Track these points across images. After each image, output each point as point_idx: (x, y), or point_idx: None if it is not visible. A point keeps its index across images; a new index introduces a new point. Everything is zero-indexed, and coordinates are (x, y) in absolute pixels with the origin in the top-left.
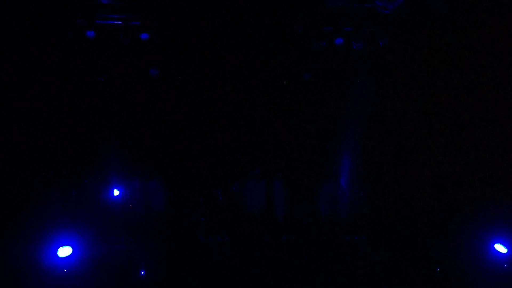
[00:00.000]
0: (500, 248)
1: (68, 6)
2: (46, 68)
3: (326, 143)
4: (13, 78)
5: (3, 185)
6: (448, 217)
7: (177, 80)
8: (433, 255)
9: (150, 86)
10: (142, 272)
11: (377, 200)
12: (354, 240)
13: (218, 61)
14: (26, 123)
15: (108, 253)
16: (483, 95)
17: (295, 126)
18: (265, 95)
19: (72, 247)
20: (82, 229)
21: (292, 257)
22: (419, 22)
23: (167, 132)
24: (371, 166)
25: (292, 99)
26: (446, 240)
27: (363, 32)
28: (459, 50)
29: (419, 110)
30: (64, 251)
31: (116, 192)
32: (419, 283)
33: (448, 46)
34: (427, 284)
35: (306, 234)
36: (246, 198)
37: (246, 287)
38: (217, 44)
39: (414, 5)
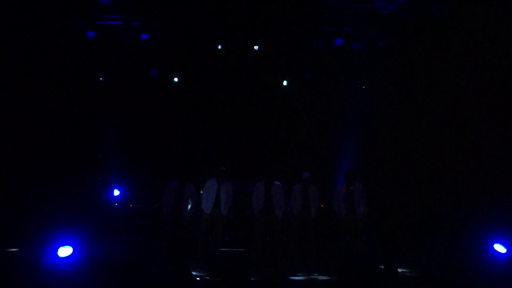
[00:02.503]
0: (500, 248)
1: (68, 6)
2: (46, 68)
3: (326, 142)
4: (14, 78)
5: (3, 184)
6: (447, 217)
7: (177, 80)
8: (432, 255)
9: (150, 86)
10: (142, 272)
11: (377, 200)
12: (354, 240)
13: (218, 61)
14: (27, 123)
15: (108, 253)
16: (483, 95)
17: (295, 126)
18: (265, 95)
19: (72, 247)
20: (82, 228)
21: (292, 257)
22: (419, 22)
23: (167, 132)
24: (371, 165)
25: (292, 99)
26: (445, 240)
27: (363, 33)
28: (458, 50)
29: (419, 110)
30: (65, 251)
31: (116, 192)
32: (419, 283)
33: (448, 46)
34: (427, 285)
35: (306, 235)
36: (246, 198)
37: (245, 286)
38: (217, 44)
39: (414, 5)
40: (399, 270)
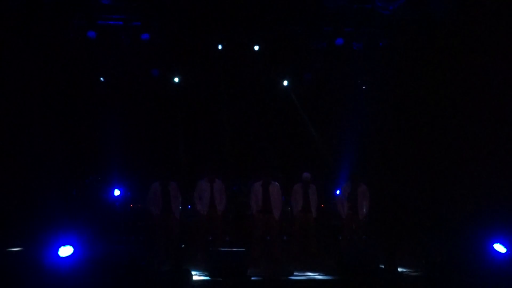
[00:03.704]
0: (500, 248)
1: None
2: (47, 68)
3: (326, 142)
4: (14, 78)
5: (4, 184)
6: (447, 216)
7: (178, 80)
8: (433, 254)
9: (151, 86)
10: (142, 272)
11: (377, 200)
12: (354, 240)
13: (218, 61)
14: (27, 123)
15: (109, 253)
16: (483, 95)
17: (295, 126)
18: (265, 94)
19: (73, 247)
20: (83, 228)
21: (292, 257)
22: (419, 23)
23: (168, 132)
24: (371, 165)
25: (292, 99)
26: (445, 240)
27: (363, 33)
28: (458, 50)
29: (419, 110)
30: (65, 251)
31: (116, 192)
32: (419, 283)
33: (448, 46)
34: (427, 284)
35: (306, 234)
36: (245, 198)
37: (246, 286)
38: (217, 44)
39: (414, 6)
40: (399, 270)
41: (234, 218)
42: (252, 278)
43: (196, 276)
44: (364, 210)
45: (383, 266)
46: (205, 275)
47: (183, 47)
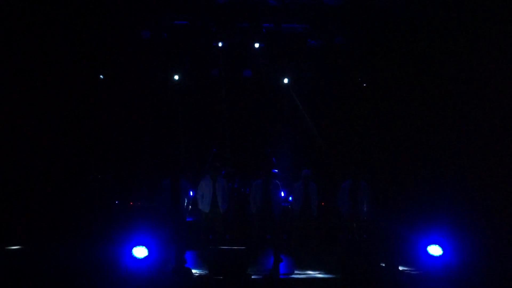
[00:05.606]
0: (434, 250)
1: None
2: (48, 69)
3: (326, 140)
4: (15, 79)
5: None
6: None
7: (177, 79)
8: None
9: (153, 85)
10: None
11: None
12: (355, 238)
13: (218, 59)
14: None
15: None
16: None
17: (295, 124)
18: (265, 92)
19: (147, 248)
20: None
21: (292, 255)
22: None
23: (170, 131)
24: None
25: (292, 97)
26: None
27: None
28: (462, 48)
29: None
30: (140, 252)
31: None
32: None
33: (447, 44)
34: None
35: (306, 233)
36: (246, 197)
37: (246, 285)
38: (217, 42)
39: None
40: (400, 268)
41: (234, 216)
42: (253, 277)
43: (197, 275)
44: (365, 208)
45: (383, 265)
46: (206, 274)
47: (182, 45)
